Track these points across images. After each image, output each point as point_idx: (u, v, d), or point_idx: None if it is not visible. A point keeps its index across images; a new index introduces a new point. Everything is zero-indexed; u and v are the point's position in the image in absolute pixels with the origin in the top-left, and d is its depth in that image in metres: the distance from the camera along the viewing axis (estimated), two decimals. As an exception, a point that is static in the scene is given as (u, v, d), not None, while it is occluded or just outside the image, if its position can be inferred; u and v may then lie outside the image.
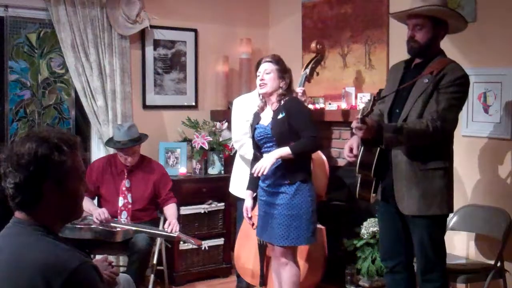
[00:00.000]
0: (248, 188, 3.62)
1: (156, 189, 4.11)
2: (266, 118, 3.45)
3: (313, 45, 4.25)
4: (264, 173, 3.29)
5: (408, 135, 2.71)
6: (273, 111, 3.42)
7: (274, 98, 3.44)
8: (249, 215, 3.56)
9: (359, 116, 2.66)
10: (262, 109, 3.54)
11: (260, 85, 3.46)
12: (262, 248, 3.81)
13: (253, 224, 3.62)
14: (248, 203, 3.58)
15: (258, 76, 4.08)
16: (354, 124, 2.69)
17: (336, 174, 4.41)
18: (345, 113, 4.18)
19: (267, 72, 3.44)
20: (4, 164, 1.67)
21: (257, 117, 3.56)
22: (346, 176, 4.25)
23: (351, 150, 2.99)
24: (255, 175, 3.35)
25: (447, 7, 2.86)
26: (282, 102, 3.40)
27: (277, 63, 3.46)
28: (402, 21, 3.04)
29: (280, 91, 3.41)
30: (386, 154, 2.88)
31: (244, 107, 4.15)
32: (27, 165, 1.64)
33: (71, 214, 1.80)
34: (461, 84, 2.79)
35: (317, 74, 4.26)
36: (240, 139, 4.11)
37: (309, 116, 3.42)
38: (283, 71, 3.45)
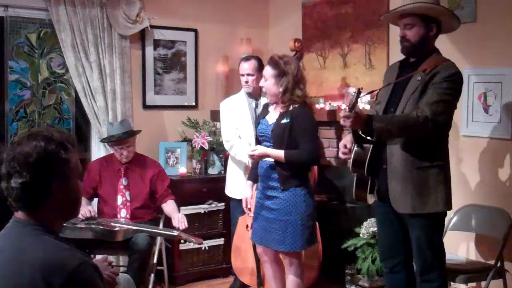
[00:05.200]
0: (248, 179, 3.62)
1: (153, 185, 4.11)
2: (272, 117, 3.41)
3: (291, 43, 4.12)
4: (252, 153, 3.35)
5: (399, 126, 2.70)
6: (280, 113, 3.35)
7: (280, 101, 3.35)
8: (248, 206, 3.55)
9: (346, 109, 2.68)
10: (271, 103, 3.47)
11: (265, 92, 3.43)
12: (255, 248, 3.79)
13: (247, 226, 3.63)
14: (247, 193, 3.56)
15: (243, 76, 4.11)
16: (342, 114, 2.70)
17: (336, 174, 4.41)
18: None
19: (266, 79, 3.35)
20: (9, 164, 1.65)
21: (265, 110, 3.51)
22: (345, 176, 4.25)
23: (345, 146, 2.98)
24: (248, 153, 3.42)
25: (437, 5, 2.84)
26: (291, 107, 3.31)
27: (273, 66, 3.31)
28: (394, 22, 3.04)
29: (280, 95, 3.29)
30: (380, 152, 2.88)
31: (231, 109, 4.18)
32: (37, 163, 1.64)
33: (73, 212, 1.81)
34: (454, 81, 2.78)
35: None
36: (230, 139, 4.14)
37: (312, 130, 3.35)
38: (279, 75, 3.27)
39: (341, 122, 2.74)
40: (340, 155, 3.02)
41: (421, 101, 2.77)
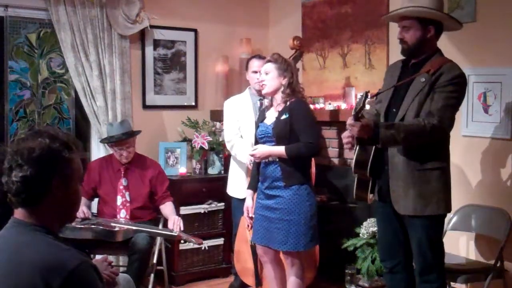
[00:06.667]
0: (249, 188, 3.63)
1: (152, 186, 4.11)
2: (270, 118, 3.45)
3: (290, 41, 4.15)
4: (254, 155, 3.40)
5: (405, 134, 2.70)
6: (278, 111, 3.40)
7: (279, 98, 3.42)
8: (250, 215, 3.57)
9: (352, 112, 2.66)
10: (268, 107, 3.54)
11: (261, 86, 3.48)
12: (254, 249, 3.78)
13: (248, 226, 3.63)
14: (248, 202, 3.58)
15: (255, 73, 4.10)
16: (348, 121, 2.70)
17: (336, 174, 4.41)
18: (345, 113, 4.18)
19: (266, 73, 3.42)
20: (12, 157, 1.66)
21: (262, 115, 3.56)
22: (345, 176, 4.25)
23: (347, 137, 2.95)
24: (250, 153, 3.48)
25: (434, 9, 2.82)
26: (288, 103, 3.37)
27: (276, 61, 3.42)
28: (397, 22, 3.05)
29: (283, 88, 3.38)
30: (381, 153, 2.88)
31: (235, 108, 4.17)
32: (39, 158, 1.65)
33: (70, 213, 1.81)
34: (458, 83, 2.79)
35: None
36: (231, 139, 4.13)
37: (311, 122, 3.41)
38: (283, 69, 3.40)
39: (347, 128, 2.73)
40: (343, 138, 2.96)
41: (426, 105, 2.77)
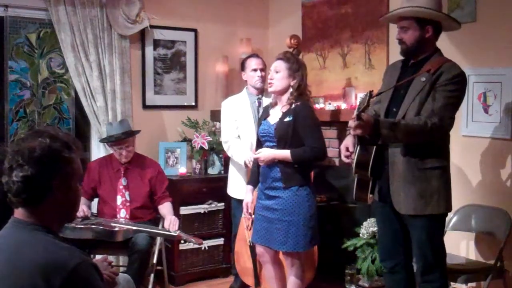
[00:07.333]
0: (248, 183, 3.62)
1: (152, 186, 4.11)
2: (274, 117, 3.42)
3: (287, 40, 4.13)
4: (259, 159, 3.34)
5: (406, 131, 2.70)
6: (282, 112, 3.37)
7: (285, 98, 3.37)
8: (249, 211, 3.56)
9: (355, 112, 2.66)
10: (273, 105, 3.49)
11: (269, 84, 3.42)
12: (252, 249, 3.78)
13: (246, 226, 3.63)
14: (248, 198, 3.57)
15: (255, 71, 4.10)
16: (351, 123, 2.69)
17: (336, 174, 4.41)
18: (345, 113, 4.18)
19: (276, 71, 3.36)
20: (12, 157, 1.66)
21: (266, 112, 3.52)
22: (345, 176, 4.25)
23: (347, 149, 2.97)
24: (254, 155, 3.43)
25: (432, 8, 2.82)
26: (293, 105, 3.33)
27: (288, 61, 3.35)
28: (394, 23, 3.05)
29: (291, 90, 3.33)
30: (382, 153, 2.88)
31: (233, 108, 4.17)
32: (40, 158, 1.65)
33: (70, 213, 1.81)
34: (458, 82, 2.79)
35: None
36: (228, 139, 4.14)
37: (316, 126, 3.38)
38: (294, 70, 3.33)
39: (351, 129, 2.73)
40: (343, 158, 3.01)
41: (426, 104, 2.77)
